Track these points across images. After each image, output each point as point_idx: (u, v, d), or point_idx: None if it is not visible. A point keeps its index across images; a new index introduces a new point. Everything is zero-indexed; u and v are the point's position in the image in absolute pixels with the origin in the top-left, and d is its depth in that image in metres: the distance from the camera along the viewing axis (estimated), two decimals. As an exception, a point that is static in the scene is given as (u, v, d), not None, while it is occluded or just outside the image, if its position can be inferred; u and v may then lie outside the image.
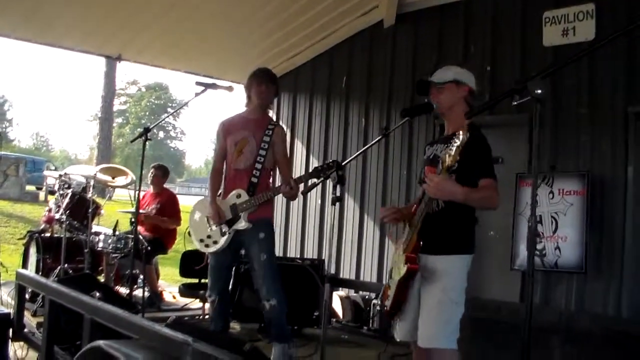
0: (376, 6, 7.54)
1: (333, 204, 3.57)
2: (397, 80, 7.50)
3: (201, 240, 4.81)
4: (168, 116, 29.33)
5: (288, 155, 5.22)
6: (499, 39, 6.53)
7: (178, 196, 7.96)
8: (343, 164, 3.58)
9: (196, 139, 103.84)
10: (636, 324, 5.05)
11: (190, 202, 7.87)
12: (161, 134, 59.60)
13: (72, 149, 79.09)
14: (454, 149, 2.77)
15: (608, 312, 5.39)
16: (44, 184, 20.58)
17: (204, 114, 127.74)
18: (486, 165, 3.18)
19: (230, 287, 5.18)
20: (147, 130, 4.87)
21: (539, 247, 5.65)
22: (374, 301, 6.62)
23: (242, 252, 4.89)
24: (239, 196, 4.68)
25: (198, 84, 4.73)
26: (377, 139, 3.88)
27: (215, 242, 4.73)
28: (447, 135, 3.42)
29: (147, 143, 4.93)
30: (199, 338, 2.71)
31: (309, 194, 7.71)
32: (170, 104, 57.28)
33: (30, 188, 20.77)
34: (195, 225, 4.92)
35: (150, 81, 56.91)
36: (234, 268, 5.48)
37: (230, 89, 4.94)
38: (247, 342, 3.71)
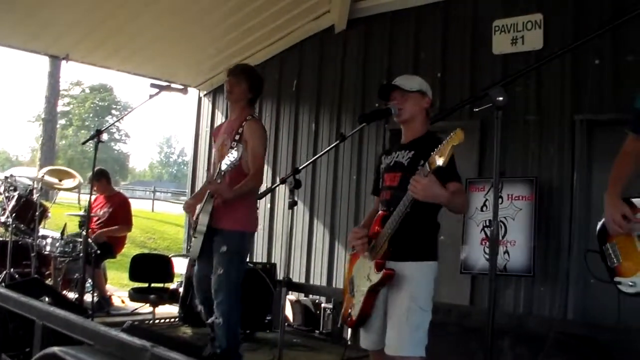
0: (327, 11, 7.56)
1: (290, 208, 3.53)
2: (347, 84, 7.55)
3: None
4: (122, 118, 28.61)
5: (262, 152, 4.42)
6: (449, 46, 6.62)
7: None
8: (300, 167, 3.51)
9: (140, 141, 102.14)
10: (581, 326, 5.18)
11: (134, 205, 7.76)
12: (104, 136, 57.93)
13: (12, 151, 76.89)
14: (448, 149, 2.67)
15: (555, 314, 5.53)
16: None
17: (149, 116, 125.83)
18: (455, 169, 3.13)
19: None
20: (99, 132, 4.79)
21: (487, 250, 5.75)
22: (324, 305, 6.65)
23: None
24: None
25: (153, 86, 4.65)
26: (334, 143, 3.81)
27: (192, 247, 4.41)
28: (406, 142, 3.39)
29: (92, 145, 4.85)
30: (156, 343, 2.67)
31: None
32: (114, 106, 56.11)
33: (-32, 190, 20.07)
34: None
35: (95, 82, 55.48)
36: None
37: (184, 91, 4.90)
38: (204, 346, 3.67)
